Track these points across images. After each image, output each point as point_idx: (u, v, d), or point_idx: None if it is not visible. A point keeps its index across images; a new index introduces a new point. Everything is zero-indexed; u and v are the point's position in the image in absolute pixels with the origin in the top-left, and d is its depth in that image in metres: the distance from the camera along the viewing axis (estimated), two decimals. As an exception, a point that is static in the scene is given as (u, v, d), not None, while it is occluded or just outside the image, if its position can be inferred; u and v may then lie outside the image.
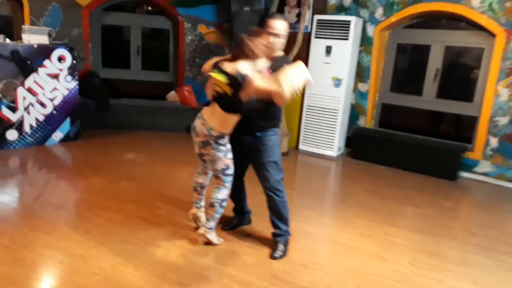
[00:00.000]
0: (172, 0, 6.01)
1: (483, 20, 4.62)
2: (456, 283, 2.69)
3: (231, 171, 2.77)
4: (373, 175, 4.92)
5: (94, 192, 3.75)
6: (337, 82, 5.25)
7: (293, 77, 2.43)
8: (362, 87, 5.62)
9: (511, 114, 4.69)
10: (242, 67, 2.50)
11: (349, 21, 5.07)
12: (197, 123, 2.74)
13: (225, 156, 2.71)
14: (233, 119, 2.61)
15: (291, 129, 5.66)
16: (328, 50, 5.21)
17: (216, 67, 2.65)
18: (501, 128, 4.78)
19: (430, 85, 5.30)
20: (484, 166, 4.97)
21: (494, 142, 4.86)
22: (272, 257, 2.81)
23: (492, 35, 4.69)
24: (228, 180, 2.79)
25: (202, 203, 3.05)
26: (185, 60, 6.29)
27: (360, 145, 5.46)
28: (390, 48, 5.50)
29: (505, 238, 3.47)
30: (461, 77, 5.37)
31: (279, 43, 2.65)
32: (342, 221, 3.54)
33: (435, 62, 5.22)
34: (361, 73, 5.56)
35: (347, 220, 3.58)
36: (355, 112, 5.72)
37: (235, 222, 3.22)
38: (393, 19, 5.17)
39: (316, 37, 5.30)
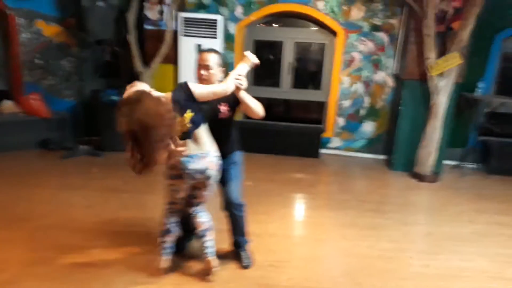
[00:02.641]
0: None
1: (327, 20, 5.47)
2: (381, 245, 3.35)
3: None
4: (256, 165, 5.31)
5: (-18, 248, 2.94)
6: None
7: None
8: (227, 82, 5.87)
9: (352, 97, 5.77)
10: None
11: (215, 20, 5.20)
12: (193, 165, 2.44)
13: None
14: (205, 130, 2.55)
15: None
16: (199, 48, 5.23)
17: None
18: (345, 109, 5.84)
19: (286, 77, 5.98)
20: (335, 142, 5.99)
21: (341, 121, 5.90)
22: (245, 267, 2.88)
23: (333, 33, 5.61)
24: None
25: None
26: (22, 63, 5.23)
27: (234, 137, 5.75)
28: (247, 44, 5.89)
29: (382, 199, 4.40)
30: (309, 68, 6.22)
31: (212, 75, 2.63)
32: (269, 215, 3.80)
33: (288, 56, 5.90)
34: (226, 70, 5.78)
35: (271, 212, 3.87)
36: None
37: (185, 242, 3.08)
38: (252, 17, 5.56)
39: (184, 35, 5.24)
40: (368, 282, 2.79)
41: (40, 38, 5.27)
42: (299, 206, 4.15)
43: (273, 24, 6.03)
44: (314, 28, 5.82)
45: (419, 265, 3.06)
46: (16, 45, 5.14)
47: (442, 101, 4.79)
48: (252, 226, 3.50)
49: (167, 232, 2.72)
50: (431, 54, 4.68)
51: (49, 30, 5.25)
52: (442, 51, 4.74)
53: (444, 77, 4.74)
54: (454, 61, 4.64)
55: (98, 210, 3.66)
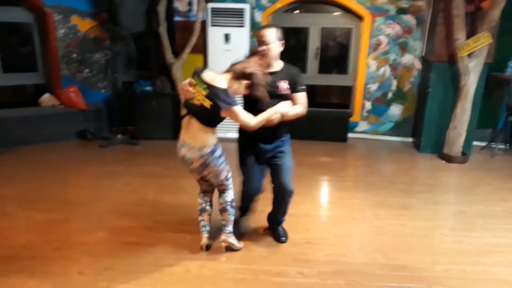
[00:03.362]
0: (34, -11, 5.11)
1: (353, 5, 5.50)
2: (414, 223, 3.44)
3: (231, 173, 2.82)
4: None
5: (42, 229, 3.18)
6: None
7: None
8: (254, 69, 5.99)
9: (379, 81, 5.80)
10: (221, 80, 2.52)
11: (243, 9, 5.31)
12: (183, 151, 2.60)
13: (226, 164, 2.73)
14: (214, 129, 2.61)
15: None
16: (227, 37, 5.36)
17: (196, 73, 2.59)
18: (372, 93, 5.88)
19: (312, 62, 6.05)
20: (362, 125, 6.05)
21: (368, 105, 5.95)
22: (283, 241, 3.04)
23: (359, 17, 5.63)
24: (231, 181, 2.83)
25: (209, 227, 2.96)
26: (59, 57, 5.48)
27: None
28: (274, 31, 5.97)
29: (412, 180, 4.49)
30: (336, 53, 6.27)
31: (271, 49, 2.67)
32: (302, 196, 3.92)
33: (314, 42, 5.96)
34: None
35: (304, 194, 4.00)
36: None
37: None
38: (278, 5, 5.63)
39: (212, 25, 5.37)
40: (403, 258, 2.90)
41: (76, 33, 5.50)
42: (331, 188, 4.27)
43: (295, 11, 6.06)
44: (339, 13, 5.85)
45: (453, 242, 3.15)
46: (54, 41, 5.39)
47: (472, 82, 4.78)
48: (292, 207, 3.65)
49: (201, 211, 2.92)
50: (460, 34, 4.67)
51: (84, 25, 5.47)
52: (472, 32, 4.71)
53: (474, 57, 4.72)
54: (484, 41, 4.61)
55: (141, 194, 3.89)
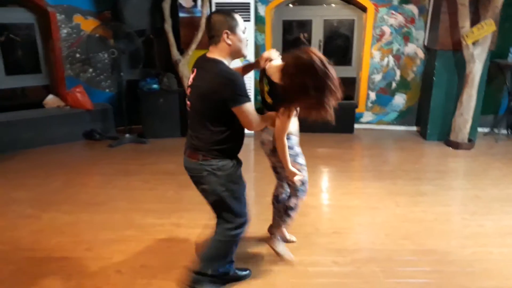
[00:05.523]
0: (36, -12, 5.02)
1: (357, -4, 5.55)
2: (434, 209, 3.52)
3: (305, 177, 2.58)
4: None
5: (69, 230, 3.17)
6: (245, 63, 5.48)
7: None
8: (259, 63, 5.99)
9: (383, 71, 5.87)
10: None
11: (248, 3, 5.30)
12: (263, 136, 2.59)
13: (296, 160, 2.52)
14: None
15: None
16: (233, 32, 5.35)
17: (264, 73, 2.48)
18: (377, 83, 5.94)
19: (316, 55, 6.08)
20: (367, 116, 6.13)
21: (372, 95, 6.02)
22: None
23: (362, 8, 5.68)
24: (301, 190, 2.61)
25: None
26: (63, 58, 5.41)
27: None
28: (276, 25, 5.99)
29: (424, 167, 4.58)
30: (339, 45, 6.31)
31: None
32: (319, 188, 4.01)
33: (317, 34, 5.99)
34: (257, 51, 5.92)
35: (320, 185, 4.07)
36: (256, 89, 6.09)
37: None
38: (282, -2, 5.66)
39: (218, 21, 5.35)
40: (431, 243, 2.98)
41: (79, 32, 5.43)
42: (345, 179, 4.31)
43: (290, 5, 6.03)
44: (342, 4, 5.88)
45: (475, 225, 3.24)
46: (57, 41, 5.31)
47: (477, 69, 4.87)
48: (307, 199, 3.70)
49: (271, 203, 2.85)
50: (465, 23, 4.74)
51: (87, 24, 5.41)
52: (475, 20, 4.79)
53: (479, 45, 4.81)
54: (488, 29, 4.70)
55: (160, 191, 3.89)
